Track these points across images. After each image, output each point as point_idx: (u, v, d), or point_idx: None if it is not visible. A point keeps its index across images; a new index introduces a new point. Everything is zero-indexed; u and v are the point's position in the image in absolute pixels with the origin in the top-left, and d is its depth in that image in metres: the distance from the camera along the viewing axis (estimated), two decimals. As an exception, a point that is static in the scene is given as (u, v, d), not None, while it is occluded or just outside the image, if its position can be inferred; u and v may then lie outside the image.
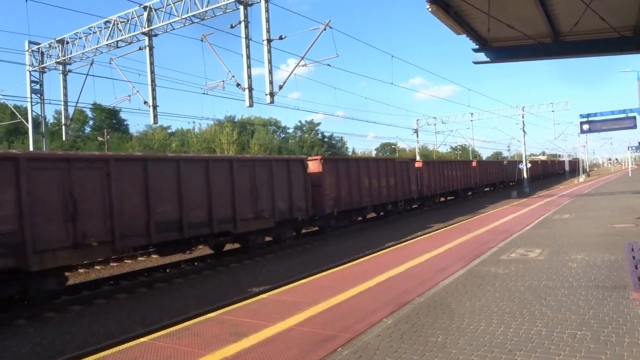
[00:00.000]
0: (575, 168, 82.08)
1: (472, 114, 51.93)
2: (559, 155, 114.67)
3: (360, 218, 24.70)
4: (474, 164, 43.35)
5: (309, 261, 15.04)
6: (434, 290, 8.02)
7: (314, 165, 20.01)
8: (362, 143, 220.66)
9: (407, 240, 16.19)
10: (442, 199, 37.22)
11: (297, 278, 11.01)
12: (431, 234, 17.10)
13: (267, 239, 17.45)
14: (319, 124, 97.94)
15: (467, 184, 40.20)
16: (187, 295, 11.57)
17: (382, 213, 26.55)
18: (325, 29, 17.74)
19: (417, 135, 53.80)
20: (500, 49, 11.01)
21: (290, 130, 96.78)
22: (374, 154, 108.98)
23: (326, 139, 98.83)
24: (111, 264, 15.49)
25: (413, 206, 30.96)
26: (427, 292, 7.91)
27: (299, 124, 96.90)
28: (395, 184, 26.30)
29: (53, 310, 10.43)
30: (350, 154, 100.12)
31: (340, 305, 7.45)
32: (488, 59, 10.85)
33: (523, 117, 50.06)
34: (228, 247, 16.66)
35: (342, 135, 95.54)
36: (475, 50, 10.84)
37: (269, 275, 13.32)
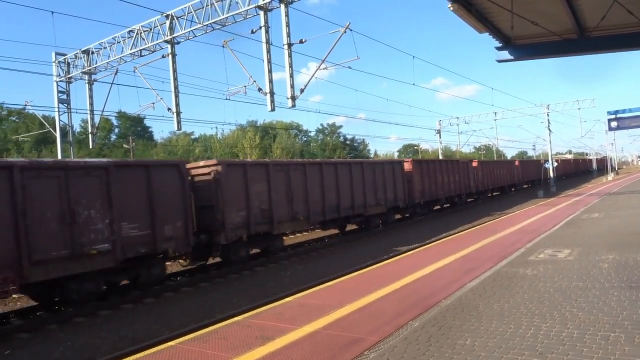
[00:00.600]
0: (603, 166, 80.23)
1: (495, 113, 51.17)
2: (586, 154, 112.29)
3: (437, 207, 30.42)
4: (516, 163, 48.50)
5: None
6: (460, 292, 7.91)
7: (406, 166, 25.15)
8: (384, 145, 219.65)
9: (447, 236, 16.04)
10: (489, 194, 41.00)
11: (321, 281, 10.99)
12: (452, 236, 16.90)
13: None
14: (340, 126, 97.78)
15: (511, 181, 45.22)
16: (213, 299, 11.66)
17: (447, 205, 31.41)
18: (345, 32, 17.72)
19: (440, 136, 53.34)
20: (524, 46, 10.83)
21: (312, 134, 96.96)
22: (396, 155, 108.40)
23: (348, 142, 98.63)
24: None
25: (469, 200, 35.83)
26: (453, 294, 7.80)
27: (320, 127, 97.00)
28: (460, 180, 31.82)
29: (82, 315, 10.62)
30: (372, 156, 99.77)
31: (367, 308, 7.40)
32: (512, 57, 10.69)
33: (548, 115, 49.15)
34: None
35: (364, 137, 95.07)
36: (499, 49, 10.69)
37: (293, 279, 13.35)
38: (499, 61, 10.63)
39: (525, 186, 51.39)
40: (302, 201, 17.26)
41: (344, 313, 7.20)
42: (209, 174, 14.31)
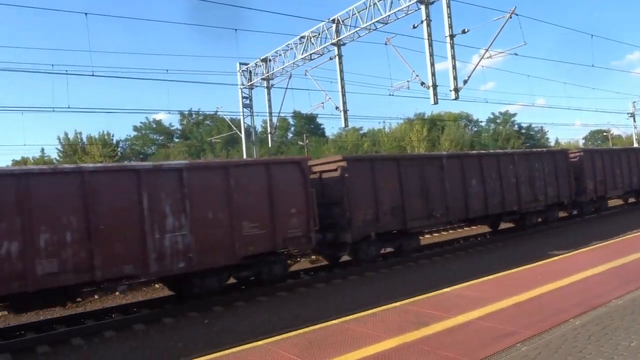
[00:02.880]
0: None
1: None
2: None
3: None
4: None
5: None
6: (636, 293, 7.31)
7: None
8: (567, 132, 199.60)
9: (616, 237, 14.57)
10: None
11: (482, 275, 10.91)
12: (630, 236, 15.09)
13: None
14: (514, 114, 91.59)
15: None
16: (378, 288, 12.33)
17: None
18: (510, 17, 16.98)
19: (634, 119, 47.10)
20: None
21: (483, 124, 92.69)
22: (581, 143, 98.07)
23: (523, 130, 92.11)
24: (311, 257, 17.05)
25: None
26: (627, 295, 7.25)
27: (491, 116, 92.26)
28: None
29: (264, 295, 12.12)
30: (552, 145, 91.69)
31: (525, 303, 7.30)
32: None
33: None
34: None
35: (541, 125, 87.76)
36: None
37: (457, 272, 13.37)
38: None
39: None
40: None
41: (501, 306, 7.22)
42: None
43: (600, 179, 23.12)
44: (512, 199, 18.52)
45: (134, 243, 10.25)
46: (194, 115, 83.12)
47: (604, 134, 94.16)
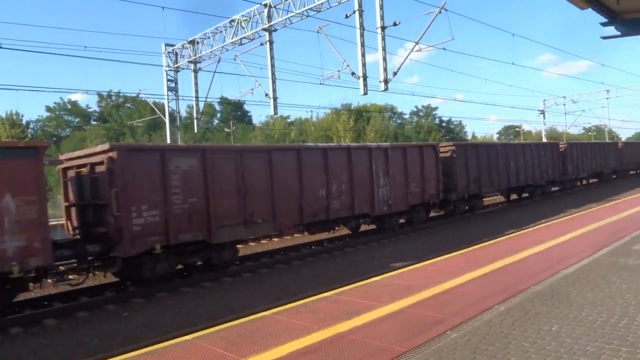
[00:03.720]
0: None
1: (607, 91, 47.28)
2: None
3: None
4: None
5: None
6: (553, 279, 7.72)
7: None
8: (483, 126, 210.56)
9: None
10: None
11: (409, 263, 11.16)
12: (556, 220, 16.12)
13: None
14: (436, 108, 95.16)
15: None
16: (305, 276, 12.26)
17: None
18: (440, 12, 17.38)
19: (544, 116, 50.33)
20: (633, 20, 10.02)
21: (407, 116, 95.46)
22: (495, 137, 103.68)
23: (444, 124, 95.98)
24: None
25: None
26: (545, 280, 7.64)
27: (415, 110, 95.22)
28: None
29: (188, 286, 11.69)
30: (469, 138, 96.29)
31: (453, 290, 7.49)
32: (619, 33, 9.93)
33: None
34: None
35: (460, 119, 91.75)
36: (604, 24, 9.98)
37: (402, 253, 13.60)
38: (604, 38, 9.92)
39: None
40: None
41: (430, 294, 7.35)
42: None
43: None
44: (531, 176, 25.07)
45: (368, 194, 16.53)
46: (113, 97, 78.89)
47: (516, 129, 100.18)
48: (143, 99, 41.20)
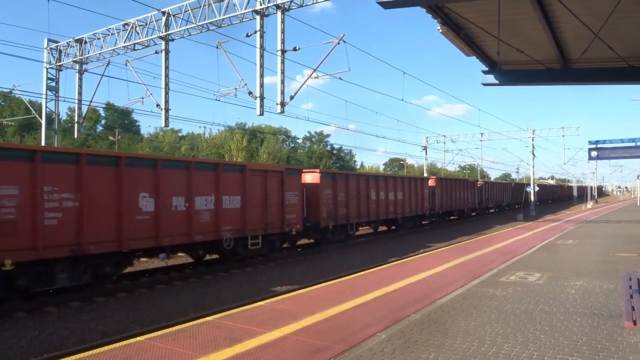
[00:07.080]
0: (583, 194, 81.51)
1: (482, 134, 51.91)
2: (568, 180, 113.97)
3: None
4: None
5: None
6: (430, 307, 8.07)
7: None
8: (371, 157, 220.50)
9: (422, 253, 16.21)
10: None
11: (294, 288, 11.09)
12: (432, 252, 17.11)
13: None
14: (328, 135, 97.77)
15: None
16: (187, 298, 11.67)
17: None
18: (339, 43, 17.93)
19: (426, 152, 53.82)
20: (509, 72, 11.11)
21: (300, 141, 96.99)
22: (382, 168, 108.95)
23: (335, 151, 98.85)
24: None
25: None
26: (423, 309, 7.95)
27: (308, 135, 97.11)
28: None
29: (53, 305, 10.57)
30: (358, 167, 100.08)
31: (336, 317, 7.52)
32: (497, 82, 10.95)
33: (533, 140, 49.99)
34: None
35: (351, 148, 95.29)
36: (485, 72, 10.94)
37: (270, 282, 13.40)
38: (485, 84, 10.89)
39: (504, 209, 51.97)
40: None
41: (314, 320, 7.30)
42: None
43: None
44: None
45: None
46: (-20, 91, 70.91)
47: (401, 162, 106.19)
48: (17, 96, 37.36)
